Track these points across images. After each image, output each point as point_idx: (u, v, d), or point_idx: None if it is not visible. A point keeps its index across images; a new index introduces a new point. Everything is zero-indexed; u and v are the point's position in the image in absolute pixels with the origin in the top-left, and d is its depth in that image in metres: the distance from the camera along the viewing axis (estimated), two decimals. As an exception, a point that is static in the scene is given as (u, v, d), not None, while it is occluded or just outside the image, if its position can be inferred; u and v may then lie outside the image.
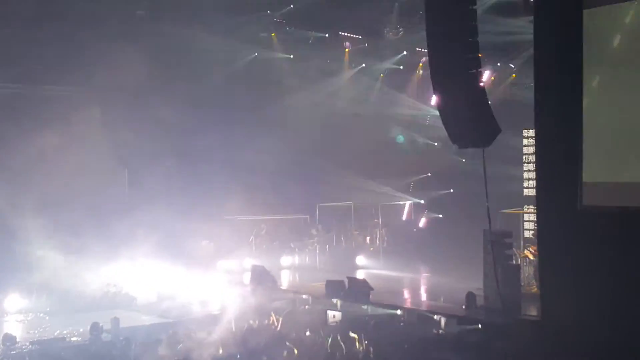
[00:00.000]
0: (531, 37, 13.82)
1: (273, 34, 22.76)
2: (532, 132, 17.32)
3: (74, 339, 14.20)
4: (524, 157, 20.05)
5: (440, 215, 25.07)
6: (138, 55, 18.87)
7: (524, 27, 18.02)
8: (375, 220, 24.39)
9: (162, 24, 19.23)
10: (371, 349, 12.23)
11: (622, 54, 12.41)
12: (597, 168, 12.58)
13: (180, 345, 12.63)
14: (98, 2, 17.89)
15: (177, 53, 20.03)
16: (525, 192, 19.95)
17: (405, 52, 24.27)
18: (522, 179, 20.24)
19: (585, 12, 12.52)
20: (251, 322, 14.12)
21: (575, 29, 12.60)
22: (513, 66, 22.89)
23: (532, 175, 17.64)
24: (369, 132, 24.70)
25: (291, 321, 14.35)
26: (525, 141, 19.88)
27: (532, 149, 18.63)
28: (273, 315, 14.60)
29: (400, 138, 25.87)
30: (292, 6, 21.40)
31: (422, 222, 25.96)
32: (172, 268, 18.57)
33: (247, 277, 18.64)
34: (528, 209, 19.36)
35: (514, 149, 20.26)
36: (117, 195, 21.40)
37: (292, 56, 23.51)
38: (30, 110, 19.28)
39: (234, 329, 13.77)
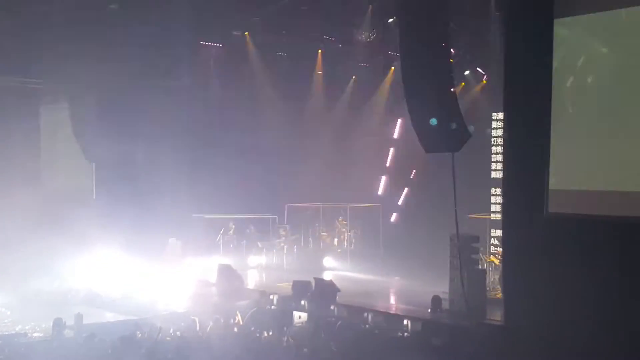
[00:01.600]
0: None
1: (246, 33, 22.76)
2: (501, 115, 17.30)
3: (35, 334, 13.99)
4: (492, 139, 20.00)
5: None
6: (109, 51, 18.68)
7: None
8: (344, 222, 24.38)
9: (134, 20, 19.01)
10: (336, 350, 12.23)
11: (591, 62, 12.59)
12: (564, 175, 12.73)
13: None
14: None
15: (151, 50, 19.79)
16: (493, 174, 19.92)
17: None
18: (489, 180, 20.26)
19: (556, 21, 12.68)
20: (222, 320, 14.01)
21: (546, 37, 12.74)
22: (482, 72, 22.93)
23: (500, 157, 17.66)
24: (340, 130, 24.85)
25: (256, 320, 14.31)
26: (494, 124, 19.82)
27: (500, 132, 18.60)
28: (238, 314, 14.55)
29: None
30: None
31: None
32: (137, 265, 18.43)
33: (213, 276, 18.54)
34: (495, 214, 19.35)
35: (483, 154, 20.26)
36: (84, 190, 21.19)
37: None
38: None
39: (198, 327, 13.68)
